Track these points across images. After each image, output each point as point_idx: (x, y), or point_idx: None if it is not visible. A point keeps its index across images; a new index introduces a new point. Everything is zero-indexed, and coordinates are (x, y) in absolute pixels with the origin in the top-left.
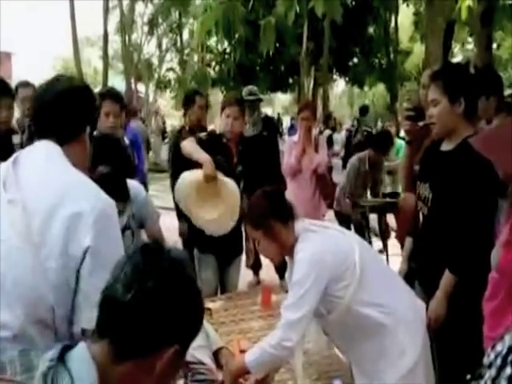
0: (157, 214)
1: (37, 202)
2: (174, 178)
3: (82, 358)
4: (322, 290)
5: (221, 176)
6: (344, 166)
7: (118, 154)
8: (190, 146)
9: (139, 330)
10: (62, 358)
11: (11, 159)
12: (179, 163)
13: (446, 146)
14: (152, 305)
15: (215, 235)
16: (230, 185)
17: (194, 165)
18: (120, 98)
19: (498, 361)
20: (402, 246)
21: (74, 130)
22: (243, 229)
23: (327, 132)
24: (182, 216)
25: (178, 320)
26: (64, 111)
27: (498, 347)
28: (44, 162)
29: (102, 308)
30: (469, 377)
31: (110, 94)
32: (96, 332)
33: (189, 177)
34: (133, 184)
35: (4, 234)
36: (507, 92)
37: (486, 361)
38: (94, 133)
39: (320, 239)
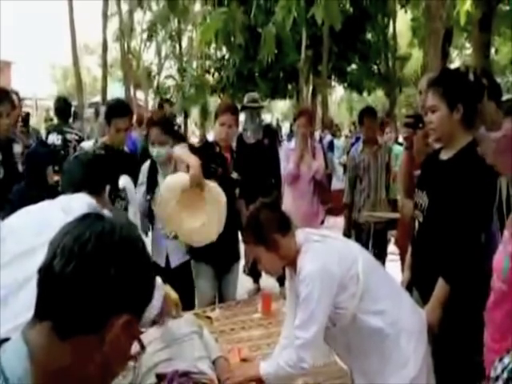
0: None
1: None
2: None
3: (15, 346)
4: (330, 304)
5: (208, 182)
6: (346, 173)
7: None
8: (180, 150)
9: (83, 303)
10: None
11: (58, 200)
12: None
13: (444, 155)
14: (94, 275)
15: (195, 245)
16: (216, 191)
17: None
18: (129, 112)
19: (505, 374)
20: (401, 253)
21: (97, 188)
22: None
23: (329, 137)
24: None
25: (124, 286)
26: (90, 175)
27: (506, 360)
28: (89, 208)
29: (41, 287)
30: None
31: (120, 110)
32: (36, 315)
33: (174, 179)
34: None
35: None
36: (506, 97)
37: (492, 374)
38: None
39: (323, 250)
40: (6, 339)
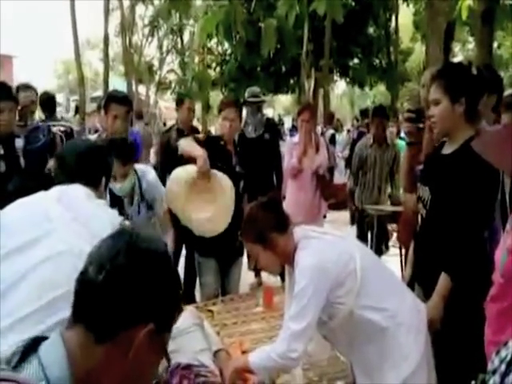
0: (161, 197)
1: (93, 224)
2: (164, 177)
3: (54, 347)
4: (324, 299)
5: (215, 172)
6: (347, 167)
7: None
8: (186, 143)
9: (111, 309)
10: (36, 347)
11: (54, 191)
12: (169, 161)
13: (446, 149)
14: (123, 282)
15: (207, 236)
16: (224, 181)
17: (185, 163)
18: (127, 101)
19: (503, 367)
20: (401, 247)
21: (94, 181)
22: None
23: (330, 131)
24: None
25: (151, 296)
26: (86, 166)
27: (503, 353)
28: (86, 198)
29: (77, 292)
30: (473, 383)
31: (117, 97)
32: (71, 318)
33: (181, 173)
34: (139, 166)
35: (75, 241)
36: (509, 91)
37: (490, 367)
38: (103, 135)
39: (320, 246)
40: (44, 337)
